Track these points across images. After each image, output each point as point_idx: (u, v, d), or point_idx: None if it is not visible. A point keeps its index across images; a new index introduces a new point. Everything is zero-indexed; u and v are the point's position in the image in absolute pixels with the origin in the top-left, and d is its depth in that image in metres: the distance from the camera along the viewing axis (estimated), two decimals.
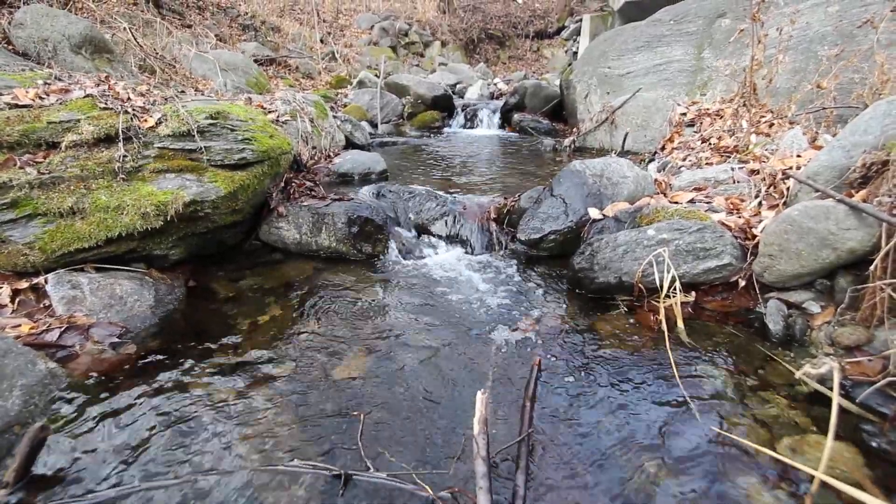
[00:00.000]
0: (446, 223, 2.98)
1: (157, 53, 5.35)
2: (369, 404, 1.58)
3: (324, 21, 12.28)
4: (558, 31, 14.52)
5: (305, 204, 2.80)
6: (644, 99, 4.94)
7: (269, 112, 3.74)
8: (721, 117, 3.70)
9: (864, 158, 1.84)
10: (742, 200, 2.39)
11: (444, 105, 7.29)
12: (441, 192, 3.17)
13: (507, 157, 5.02)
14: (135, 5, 6.90)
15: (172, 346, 1.88)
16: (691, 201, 2.50)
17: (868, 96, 2.82)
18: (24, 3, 4.86)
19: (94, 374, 1.68)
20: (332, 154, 4.13)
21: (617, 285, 2.17)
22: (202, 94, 4.33)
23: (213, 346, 1.88)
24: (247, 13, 10.04)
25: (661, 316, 1.91)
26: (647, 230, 2.17)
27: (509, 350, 1.89)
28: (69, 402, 1.54)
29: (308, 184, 3.24)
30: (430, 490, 1.23)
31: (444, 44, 14.02)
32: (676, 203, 2.48)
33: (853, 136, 1.95)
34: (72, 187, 2.06)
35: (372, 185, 3.38)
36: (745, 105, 3.45)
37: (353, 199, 2.92)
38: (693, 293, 2.10)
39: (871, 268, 1.63)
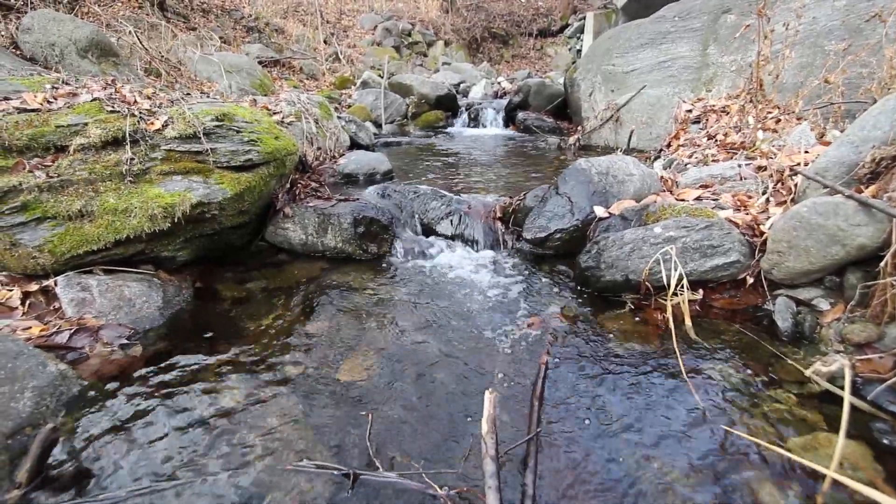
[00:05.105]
0: (452, 223, 2.98)
1: (162, 56, 5.39)
2: (377, 404, 1.58)
3: (327, 22, 12.30)
4: (562, 30, 14.48)
5: (311, 205, 2.81)
6: (649, 96, 4.92)
7: (274, 113, 3.75)
8: (727, 114, 3.67)
9: (873, 154, 1.82)
10: (749, 197, 2.37)
11: (447, 104, 7.29)
12: (446, 192, 3.17)
13: (512, 156, 5.01)
14: (140, 9, 6.95)
15: (181, 347, 1.89)
16: (698, 199, 2.48)
17: (876, 91, 2.79)
18: (30, 9, 4.91)
19: (104, 376, 1.70)
20: (336, 155, 4.14)
21: (624, 283, 2.16)
22: (207, 97, 4.35)
23: (220, 347, 1.89)
24: (251, 15, 10.08)
25: (669, 314, 1.90)
26: (653, 228, 2.16)
27: (516, 349, 1.89)
28: (80, 403, 1.55)
29: (313, 184, 3.25)
30: (439, 489, 1.23)
31: (447, 43, 14.01)
32: (683, 200, 2.47)
33: (862, 131, 1.93)
34: (80, 190, 2.08)
35: (377, 186, 3.39)
36: (751, 101, 3.43)
37: (358, 199, 2.92)
38: (700, 291, 2.09)
39: (882, 264, 1.62)
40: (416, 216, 3.07)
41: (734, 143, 3.13)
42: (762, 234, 2.06)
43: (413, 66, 12.15)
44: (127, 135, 2.20)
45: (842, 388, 1.33)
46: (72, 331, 1.82)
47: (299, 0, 12.30)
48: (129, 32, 5.33)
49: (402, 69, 10.70)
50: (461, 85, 9.29)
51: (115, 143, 2.20)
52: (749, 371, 1.69)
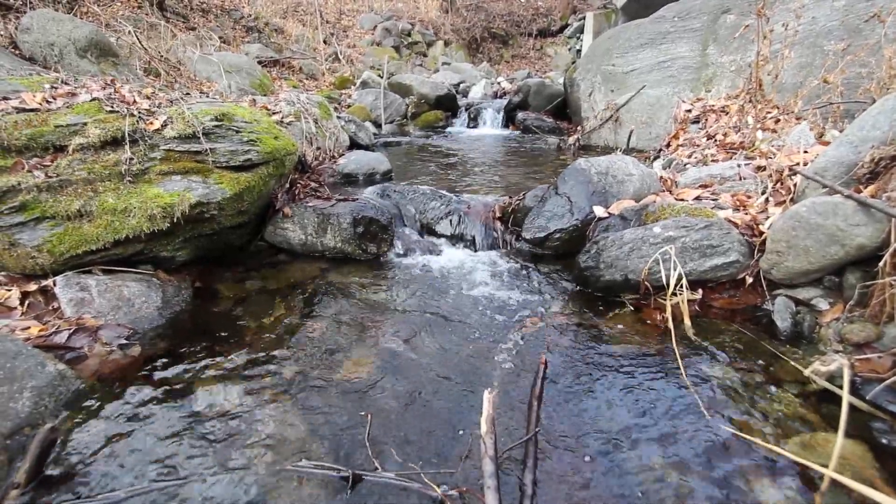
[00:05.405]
0: (451, 223, 2.98)
1: (161, 56, 5.39)
2: (377, 404, 1.58)
3: (327, 22, 12.30)
4: (561, 30, 14.48)
5: (310, 205, 2.81)
6: (648, 96, 4.92)
7: (274, 113, 3.75)
8: (726, 114, 3.67)
9: (872, 154, 1.83)
10: (748, 197, 2.38)
11: (447, 104, 7.29)
12: (445, 192, 3.17)
13: (512, 156, 5.01)
14: (139, 9, 6.94)
15: (180, 348, 1.89)
16: (697, 198, 2.48)
17: (876, 91, 2.79)
18: (30, 9, 4.91)
19: (103, 376, 1.70)
20: (336, 154, 4.14)
21: (623, 283, 2.16)
22: (207, 96, 4.35)
23: (220, 348, 1.89)
24: (250, 15, 10.08)
25: (668, 314, 1.90)
26: (653, 228, 2.16)
27: (515, 349, 1.89)
28: (79, 403, 1.55)
29: (313, 184, 3.25)
30: (438, 489, 1.23)
31: (447, 43, 14.01)
32: (682, 200, 2.47)
33: (861, 131, 1.93)
34: (79, 190, 2.08)
35: (376, 185, 3.39)
36: (750, 101, 3.43)
37: (357, 199, 2.92)
38: (700, 291, 2.09)
39: (881, 264, 1.62)
40: (416, 216, 3.07)
41: (733, 143, 3.13)
42: (761, 233, 2.06)
43: (413, 66, 12.15)
44: (126, 135, 2.20)
45: (841, 387, 1.33)
46: (71, 331, 1.82)
47: (299, 0, 12.29)
48: (129, 32, 5.32)
49: (401, 69, 10.70)
50: (461, 85, 9.29)
51: (114, 142, 2.20)
52: (748, 370, 1.69)
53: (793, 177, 2.24)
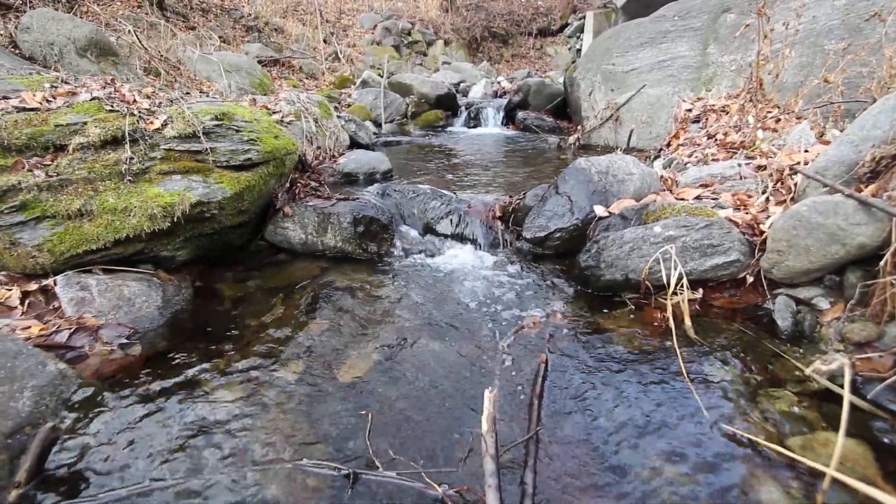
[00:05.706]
0: (451, 222, 2.98)
1: (161, 56, 5.39)
2: (377, 403, 1.58)
3: (327, 21, 12.29)
4: (561, 29, 14.48)
5: (311, 204, 2.81)
6: (649, 95, 4.92)
7: (274, 113, 3.75)
8: (727, 113, 3.66)
9: (873, 153, 1.82)
10: (749, 196, 2.37)
11: (447, 104, 7.28)
12: (446, 191, 3.17)
13: (512, 156, 5.01)
14: (139, 8, 6.94)
15: (180, 347, 1.89)
16: (698, 198, 2.48)
17: (876, 90, 2.79)
18: (30, 8, 4.91)
19: (104, 375, 1.70)
20: (336, 154, 4.13)
21: (623, 283, 2.16)
22: (207, 96, 4.35)
23: (220, 347, 1.89)
24: (250, 14, 10.07)
25: (669, 313, 1.90)
26: (653, 227, 2.16)
27: (516, 348, 1.89)
28: (79, 402, 1.55)
29: (313, 184, 3.25)
30: (439, 488, 1.23)
31: (447, 42, 14.00)
32: (683, 200, 2.47)
33: (862, 130, 1.93)
34: (79, 189, 2.07)
35: (377, 185, 3.39)
36: (751, 100, 3.43)
37: (358, 198, 2.92)
38: (700, 290, 2.09)
39: (882, 263, 1.62)
40: (416, 215, 3.06)
41: (734, 143, 3.13)
42: (762, 233, 2.06)
43: (413, 66, 12.14)
44: (126, 134, 2.19)
45: (841, 386, 1.33)
46: (71, 330, 1.82)
47: None
48: (129, 31, 5.32)
49: (401, 68, 10.69)
50: (461, 84, 9.28)
51: (115, 142, 2.20)
52: (749, 370, 1.69)
53: (793, 176, 2.24)
